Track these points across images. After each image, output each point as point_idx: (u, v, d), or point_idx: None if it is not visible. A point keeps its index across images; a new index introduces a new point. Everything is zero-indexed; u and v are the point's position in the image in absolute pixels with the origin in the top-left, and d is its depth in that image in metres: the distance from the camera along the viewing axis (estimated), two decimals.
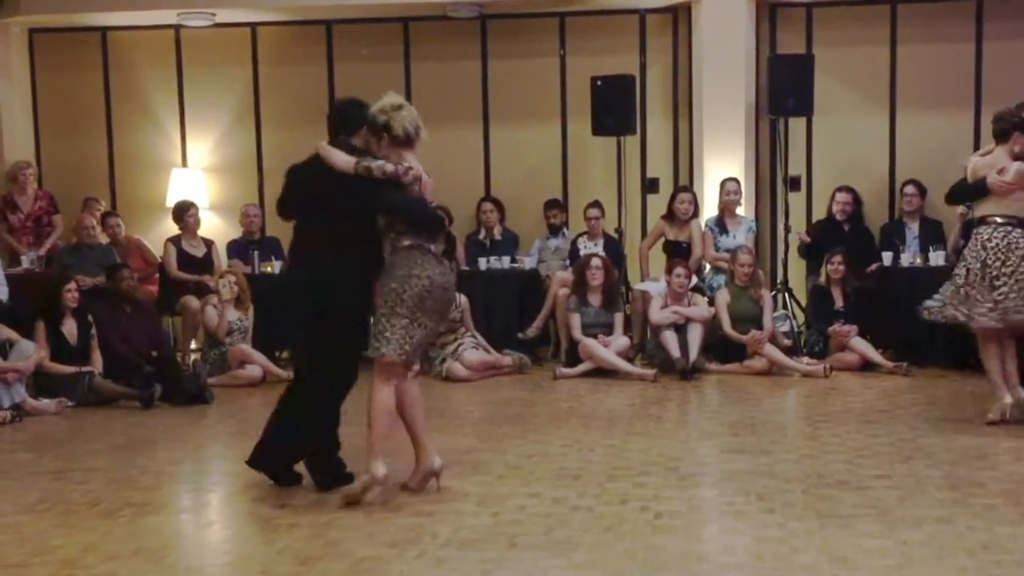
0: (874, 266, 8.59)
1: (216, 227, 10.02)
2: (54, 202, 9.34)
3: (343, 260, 4.71)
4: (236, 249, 9.32)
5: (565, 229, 9.53)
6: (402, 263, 4.64)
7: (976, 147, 8.91)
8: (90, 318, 7.76)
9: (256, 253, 9.09)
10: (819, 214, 9.38)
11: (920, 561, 3.85)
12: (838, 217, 9.03)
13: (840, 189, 9.07)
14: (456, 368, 8.07)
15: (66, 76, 10.31)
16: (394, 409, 4.70)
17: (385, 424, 4.65)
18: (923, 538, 4.08)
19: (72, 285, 7.71)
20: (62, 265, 8.69)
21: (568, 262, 9.16)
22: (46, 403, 7.18)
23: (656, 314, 8.23)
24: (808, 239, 9.03)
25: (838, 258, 8.41)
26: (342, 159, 4.67)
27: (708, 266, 9.07)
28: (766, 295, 8.40)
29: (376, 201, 4.67)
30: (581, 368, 8.12)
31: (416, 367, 5.03)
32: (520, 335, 8.76)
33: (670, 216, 9.09)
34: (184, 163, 10.36)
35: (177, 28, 10.14)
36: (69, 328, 7.65)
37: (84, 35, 10.27)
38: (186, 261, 8.98)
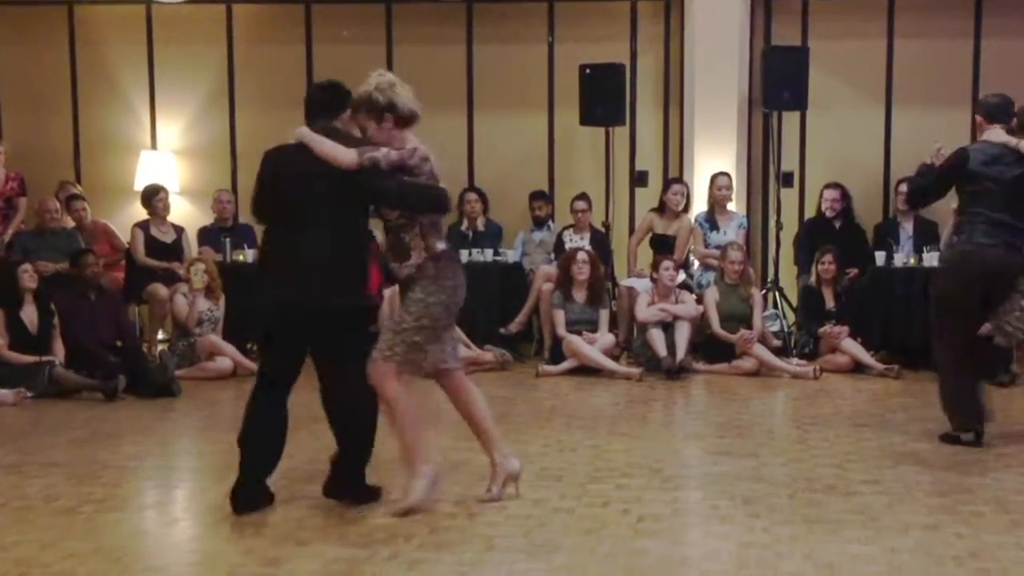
0: (853, 272, 8.50)
1: (187, 213, 9.86)
2: (24, 184, 9.13)
3: (341, 258, 4.44)
4: (207, 236, 9.18)
5: (550, 222, 9.47)
6: (446, 273, 4.43)
7: None
8: (52, 306, 7.59)
9: (228, 241, 8.93)
10: (812, 211, 9.33)
11: (907, 568, 3.81)
12: (827, 214, 8.98)
13: (828, 186, 9.03)
14: None
15: (30, 52, 10.07)
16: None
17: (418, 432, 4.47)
18: (911, 545, 4.05)
19: (27, 266, 7.55)
20: (23, 250, 8.49)
21: (553, 256, 9.08)
22: (4, 393, 7.01)
23: (643, 311, 8.14)
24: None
25: (828, 257, 8.33)
26: (343, 153, 4.36)
27: (697, 263, 8.97)
28: (756, 294, 8.34)
29: (376, 195, 4.43)
30: (565, 366, 8.02)
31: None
32: (502, 330, 8.64)
33: (660, 209, 9.00)
34: (154, 145, 10.17)
35: (148, 4, 9.98)
36: (29, 315, 7.49)
37: (49, 9, 10.05)
38: (154, 247, 8.86)
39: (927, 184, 5.87)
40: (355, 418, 4.52)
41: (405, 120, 4.43)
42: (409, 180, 4.40)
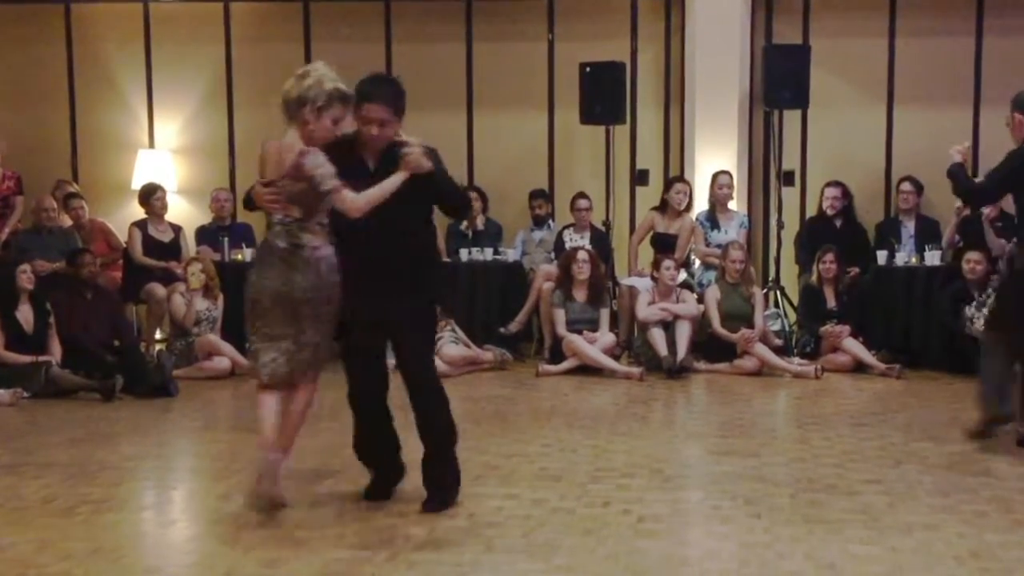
0: (854, 272, 8.45)
1: (184, 212, 9.81)
2: (21, 183, 9.07)
3: None
4: (205, 235, 9.15)
5: (551, 220, 9.42)
6: (253, 267, 4.37)
7: (976, 144, 8.79)
8: (47, 306, 7.54)
9: (226, 240, 8.89)
10: (813, 210, 9.27)
11: (909, 568, 3.80)
12: (828, 213, 8.94)
13: (829, 184, 8.99)
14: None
15: (26, 50, 10.01)
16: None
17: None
18: (913, 545, 4.04)
19: (26, 267, 7.51)
20: (20, 250, 8.43)
21: (553, 255, 9.04)
22: (1, 393, 6.96)
23: (643, 311, 8.11)
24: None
25: (830, 256, 8.29)
26: None
27: (698, 262, 8.93)
28: (757, 293, 8.30)
29: None
30: (565, 365, 7.99)
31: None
32: (502, 330, 8.60)
33: (662, 207, 8.95)
34: (151, 144, 10.12)
35: (146, 2, 9.93)
36: (24, 315, 7.43)
37: (46, 7, 9.99)
38: (152, 247, 8.80)
39: (988, 186, 5.83)
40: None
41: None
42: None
